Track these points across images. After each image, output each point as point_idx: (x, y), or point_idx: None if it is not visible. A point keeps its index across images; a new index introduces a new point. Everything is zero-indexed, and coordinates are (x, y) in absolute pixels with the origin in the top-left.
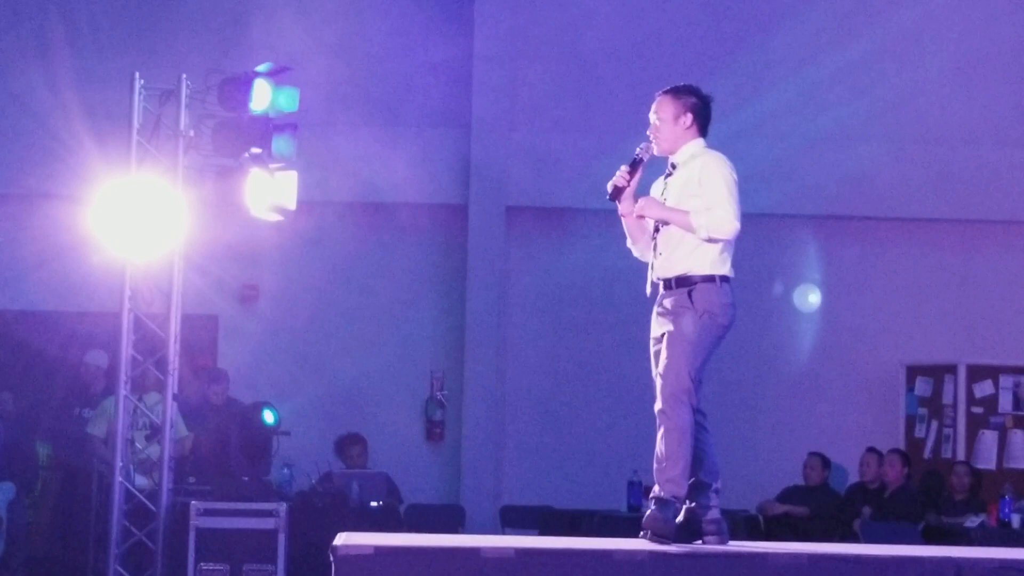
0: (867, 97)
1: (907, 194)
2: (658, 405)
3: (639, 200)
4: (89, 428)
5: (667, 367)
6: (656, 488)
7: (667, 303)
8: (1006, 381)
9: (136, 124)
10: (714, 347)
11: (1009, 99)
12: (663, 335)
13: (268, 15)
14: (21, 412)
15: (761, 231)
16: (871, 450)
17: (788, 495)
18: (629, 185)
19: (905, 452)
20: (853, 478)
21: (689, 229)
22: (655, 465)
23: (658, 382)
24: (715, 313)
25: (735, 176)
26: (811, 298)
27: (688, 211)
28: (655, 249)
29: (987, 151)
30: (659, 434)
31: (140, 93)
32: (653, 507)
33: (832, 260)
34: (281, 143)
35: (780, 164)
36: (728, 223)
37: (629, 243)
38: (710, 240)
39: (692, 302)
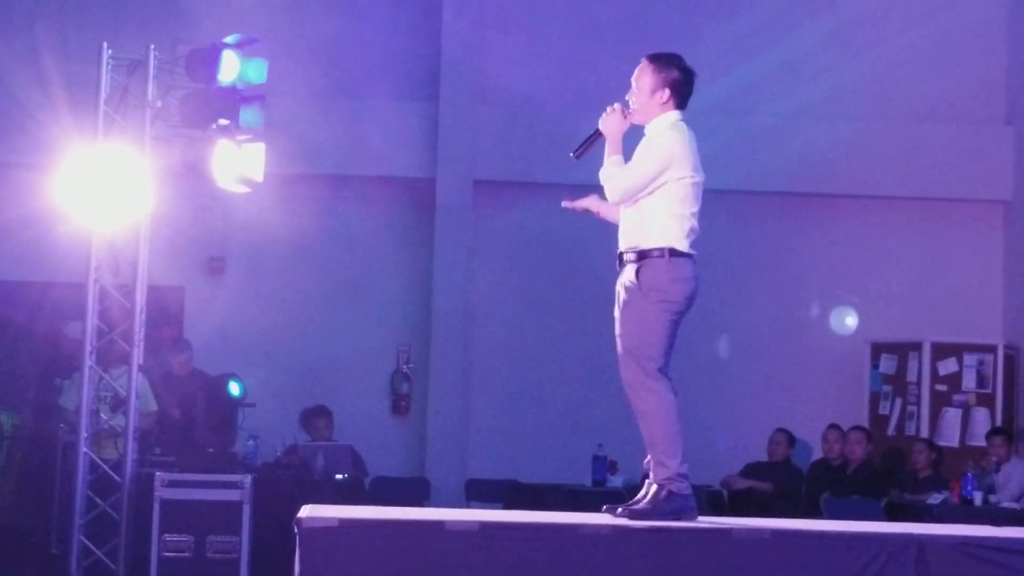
0: (832, 75)
1: (873, 172)
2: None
3: (594, 201)
4: (61, 400)
5: (622, 356)
6: (657, 480)
7: (621, 278)
8: (970, 359)
9: (103, 94)
10: (668, 325)
11: (973, 77)
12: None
13: None
14: None
15: (726, 208)
16: (834, 426)
17: (752, 471)
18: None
19: (868, 429)
20: (817, 454)
21: (606, 177)
22: (649, 454)
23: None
24: (662, 289)
25: (667, 159)
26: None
27: (618, 162)
28: (621, 221)
29: (951, 129)
30: (640, 422)
31: (108, 63)
32: (661, 498)
33: (798, 237)
34: (249, 115)
35: (746, 142)
36: (618, 183)
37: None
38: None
39: (638, 279)
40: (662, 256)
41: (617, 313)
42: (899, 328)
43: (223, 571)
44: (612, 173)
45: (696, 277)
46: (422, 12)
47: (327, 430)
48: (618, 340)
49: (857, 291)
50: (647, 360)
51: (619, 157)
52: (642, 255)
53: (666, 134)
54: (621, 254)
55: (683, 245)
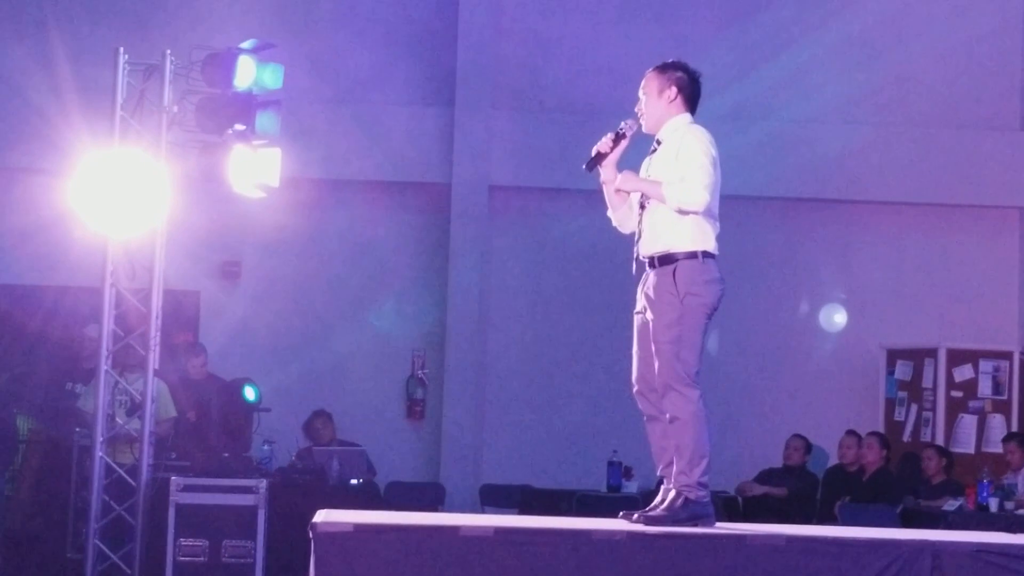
0: (847, 81)
1: (888, 178)
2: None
3: (618, 175)
4: (80, 403)
5: (660, 361)
6: (676, 486)
7: (651, 284)
8: (985, 365)
9: (120, 99)
10: (702, 327)
11: (992, 83)
12: (644, 310)
13: None
14: (2, 386)
15: (741, 213)
16: (850, 433)
17: (767, 476)
18: (612, 152)
19: (884, 435)
20: (832, 460)
21: (662, 200)
22: (675, 459)
23: (635, 362)
24: (697, 292)
25: (713, 151)
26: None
27: (661, 183)
28: (639, 227)
29: (969, 135)
30: (669, 427)
31: (124, 68)
32: (678, 504)
33: (814, 242)
34: (265, 120)
35: (762, 147)
36: (697, 193)
37: (609, 212)
38: (681, 212)
39: (675, 281)
40: (696, 258)
41: (649, 317)
42: (915, 334)
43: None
44: (678, 183)
45: (724, 278)
46: (438, 17)
47: (325, 430)
48: (639, 335)
49: (873, 297)
50: (685, 365)
51: (653, 182)
52: (675, 258)
53: (692, 127)
54: (650, 259)
55: (714, 246)
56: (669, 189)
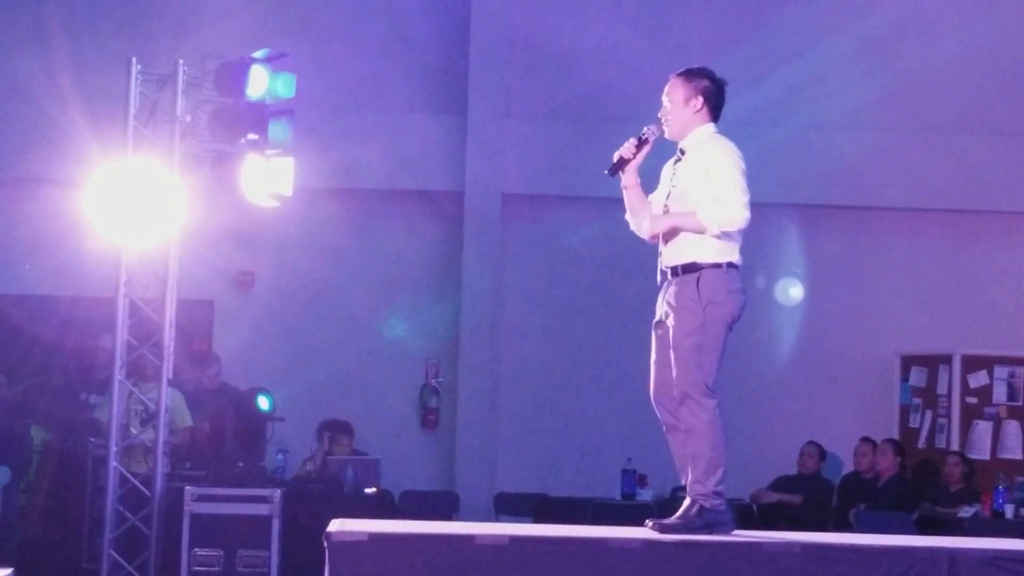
0: (861, 87)
1: (904, 183)
2: (678, 404)
3: (647, 222)
4: (97, 413)
5: (679, 369)
6: (692, 494)
7: (673, 292)
8: (1000, 372)
9: (132, 109)
10: (723, 337)
11: (1007, 88)
12: (664, 319)
13: (265, 1)
14: (16, 397)
15: (756, 220)
16: (865, 439)
17: (781, 484)
18: (634, 158)
19: (899, 442)
20: (847, 468)
21: (700, 230)
22: (689, 470)
23: (653, 371)
24: (720, 302)
25: (742, 164)
26: (796, 290)
27: (694, 212)
28: (662, 237)
29: (984, 140)
30: (684, 436)
31: (137, 78)
32: (693, 512)
33: (828, 249)
34: (277, 129)
35: (777, 153)
36: (737, 213)
37: (628, 215)
38: (722, 233)
39: (699, 291)
40: (720, 268)
41: (670, 324)
42: (929, 341)
43: None
44: (714, 207)
45: (746, 289)
46: (450, 26)
47: (339, 443)
48: (659, 344)
49: (887, 303)
50: (704, 374)
51: (685, 215)
52: (699, 267)
53: (718, 140)
54: (673, 268)
55: (738, 257)
56: (706, 215)
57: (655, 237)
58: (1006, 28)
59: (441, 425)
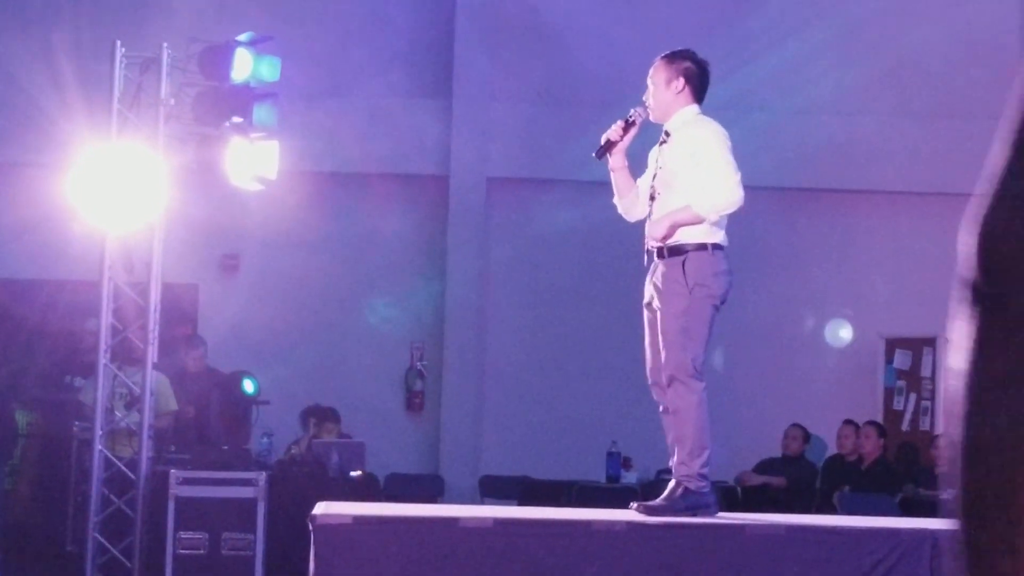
0: (847, 70)
1: (887, 166)
2: (665, 386)
3: (649, 227)
4: (81, 396)
5: (667, 351)
6: (676, 476)
7: (659, 274)
8: None
9: (117, 93)
10: (710, 319)
11: (990, 72)
12: (651, 301)
13: None
14: (1, 380)
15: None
16: (848, 422)
17: (765, 466)
18: (622, 140)
19: (881, 424)
20: (831, 450)
21: (699, 220)
22: (675, 452)
23: (648, 354)
24: (706, 284)
25: (729, 142)
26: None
27: (687, 205)
28: (649, 218)
29: (966, 124)
30: (671, 418)
31: (121, 62)
32: (677, 495)
33: (812, 233)
34: (262, 112)
35: (760, 136)
36: (732, 194)
37: (615, 198)
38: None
39: (684, 274)
40: (706, 250)
41: (656, 307)
42: (913, 323)
43: (238, 568)
44: (704, 194)
45: (732, 271)
46: (436, 9)
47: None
48: (660, 336)
49: (871, 286)
50: (691, 356)
51: (680, 211)
52: (684, 249)
53: (702, 121)
54: (659, 249)
55: (723, 238)
56: (701, 204)
57: (628, 183)
58: (988, 11)
59: (426, 408)
